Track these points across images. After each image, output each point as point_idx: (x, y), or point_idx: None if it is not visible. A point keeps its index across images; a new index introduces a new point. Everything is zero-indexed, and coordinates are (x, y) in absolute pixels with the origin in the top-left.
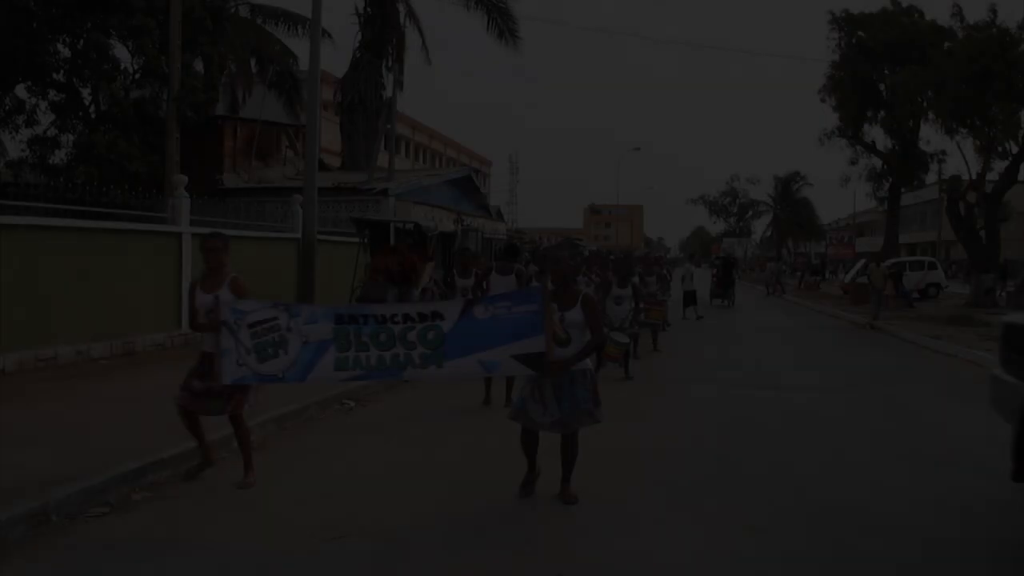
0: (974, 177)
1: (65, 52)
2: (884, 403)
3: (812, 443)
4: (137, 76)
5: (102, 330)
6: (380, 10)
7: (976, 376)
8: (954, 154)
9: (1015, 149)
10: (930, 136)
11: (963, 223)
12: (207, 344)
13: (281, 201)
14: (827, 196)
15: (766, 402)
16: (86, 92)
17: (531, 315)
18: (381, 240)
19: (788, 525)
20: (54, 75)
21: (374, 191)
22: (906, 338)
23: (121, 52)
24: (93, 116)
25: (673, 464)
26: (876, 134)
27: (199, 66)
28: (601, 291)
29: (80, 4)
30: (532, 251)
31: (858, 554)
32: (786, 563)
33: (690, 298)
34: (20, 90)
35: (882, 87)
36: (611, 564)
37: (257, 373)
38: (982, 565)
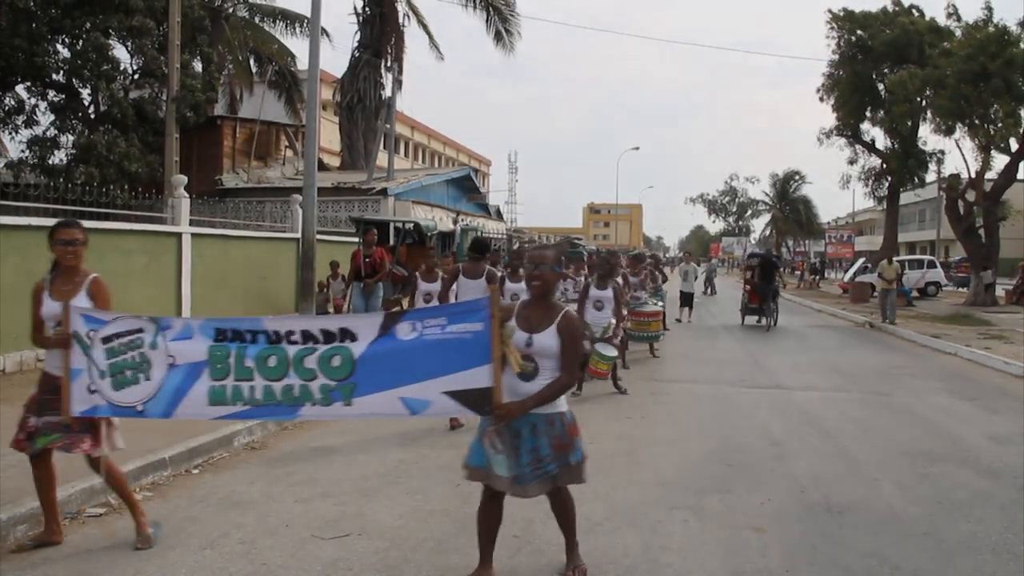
0: (973, 175)
1: (64, 52)
2: (884, 401)
3: (813, 442)
4: (136, 76)
5: None
6: (379, 9)
7: (976, 374)
8: (953, 152)
9: (1014, 147)
10: (928, 135)
11: (962, 221)
12: (50, 364)
13: (280, 201)
14: (826, 195)
15: (767, 401)
16: (85, 92)
17: (475, 336)
18: (380, 239)
19: (790, 524)
20: (54, 75)
21: (373, 191)
22: (906, 336)
23: (120, 52)
24: (92, 116)
25: (674, 464)
26: (875, 133)
27: (198, 66)
28: (581, 295)
29: (80, 4)
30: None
31: (861, 553)
32: (789, 562)
33: (687, 299)
34: (20, 90)
35: (881, 86)
36: (613, 564)
37: (111, 403)
38: (984, 563)
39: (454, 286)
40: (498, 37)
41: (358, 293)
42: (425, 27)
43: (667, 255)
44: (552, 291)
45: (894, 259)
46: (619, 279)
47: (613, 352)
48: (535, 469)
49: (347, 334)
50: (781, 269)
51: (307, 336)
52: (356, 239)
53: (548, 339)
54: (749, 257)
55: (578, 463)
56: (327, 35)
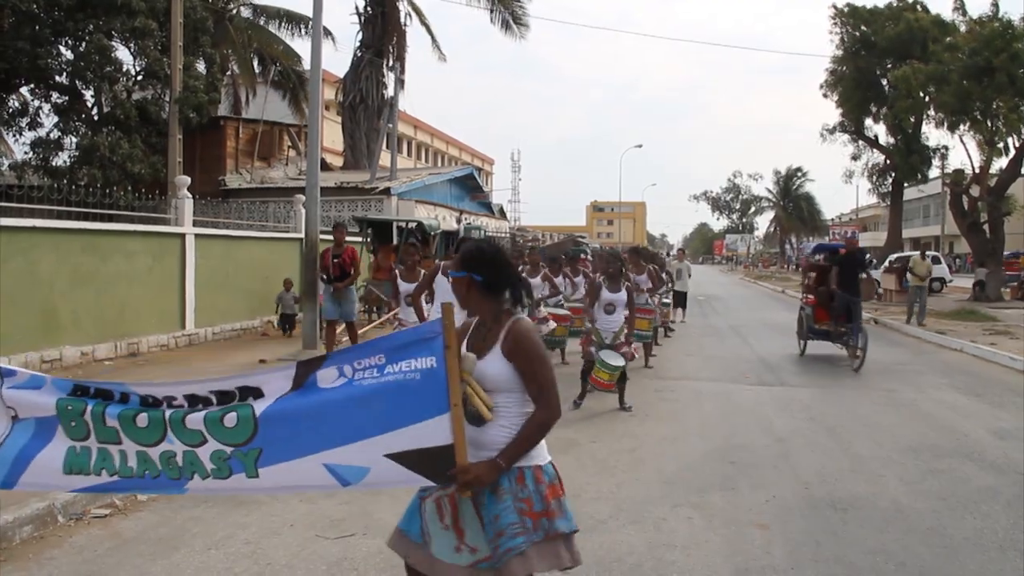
0: (977, 171)
1: (68, 54)
2: (889, 397)
3: (817, 438)
4: (139, 78)
5: (106, 331)
6: (381, 9)
7: (982, 370)
8: (957, 148)
9: (1018, 142)
10: (932, 131)
11: (967, 217)
12: None
13: (284, 201)
14: (829, 192)
15: (771, 398)
16: (89, 94)
17: (425, 377)
18: (384, 239)
19: (794, 521)
20: (57, 77)
21: (376, 190)
22: (911, 332)
23: (123, 54)
24: (96, 118)
25: (678, 461)
26: (879, 129)
27: (201, 67)
28: (588, 297)
29: (82, 7)
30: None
31: (866, 549)
32: (793, 559)
33: (680, 299)
34: (23, 93)
35: (884, 82)
36: (618, 562)
37: None
38: (990, 560)
39: (433, 287)
40: (506, 26)
41: (328, 297)
42: (427, 27)
43: (671, 252)
44: (469, 300)
45: (926, 255)
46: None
47: (619, 361)
48: (496, 547)
49: (249, 392)
50: (869, 270)
51: (193, 399)
52: (360, 239)
53: (492, 366)
54: (816, 251)
55: (566, 535)
56: (331, 36)
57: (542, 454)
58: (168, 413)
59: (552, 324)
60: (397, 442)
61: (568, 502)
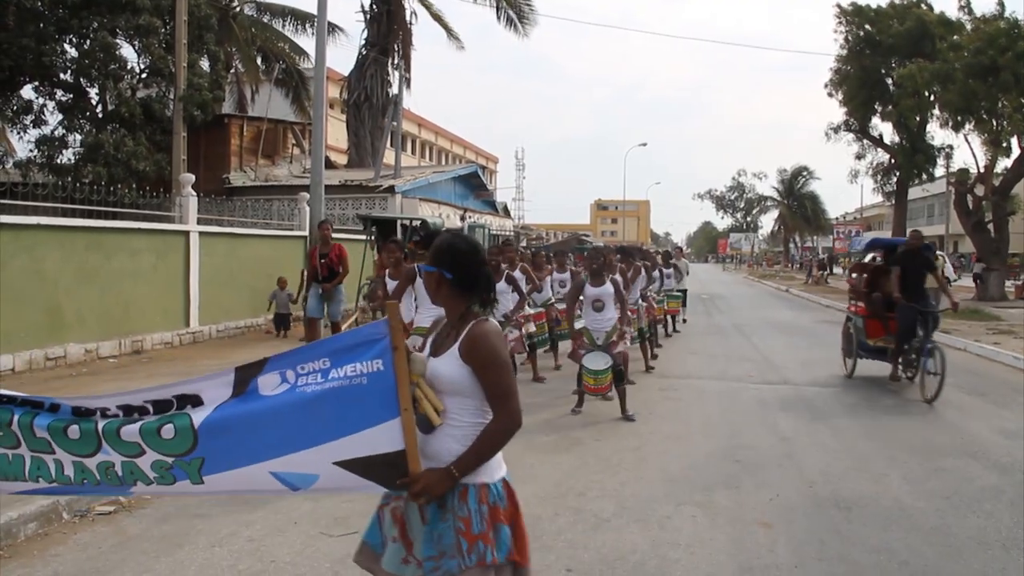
0: (982, 170)
1: (72, 52)
2: (893, 397)
3: (822, 437)
4: (144, 75)
5: (111, 329)
6: (386, 7)
7: (986, 369)
8: (962, 147)
9: (1023, 142)
10: (936, 130)
11: (972, 216)
12: None
13: (288, 199)
14: (834, 191)
15: (775, 397)
16: (93, 92)
17: (373, 380)
18: (388, 237)
19: (798, 520)
20: (61, 75)
21: (380, 188)
22: None
23: (128, 52)
24: (100, 116)
25: (682, 460)
26: (883, 128)
27: (205, 64)
28: (570, 295)
29: (87, 4)
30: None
31: (870, 548)
32: (798, 558)
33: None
34: (27, 91)
35: (889, 81)
36: (621, 560)
37: None
38: (994, 558)
39: (412, 288)
40: (511, 24)
41: (315, 297)
42: (439, 19)
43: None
44: (438, 296)
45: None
46: (617, 276)
47: (602, 364)
48: (434, 569)
49: (187, 400)
50: (941, 271)
51: (128, 410)
52: (363, 237)
53: (446, 367)
54: (869, 247)
55: (499, 565)
56: (343, 32)
57: (493, 471)
58: (101, 424)
59: (532, 326)
60: (345, 449)
61: (507, 529)
